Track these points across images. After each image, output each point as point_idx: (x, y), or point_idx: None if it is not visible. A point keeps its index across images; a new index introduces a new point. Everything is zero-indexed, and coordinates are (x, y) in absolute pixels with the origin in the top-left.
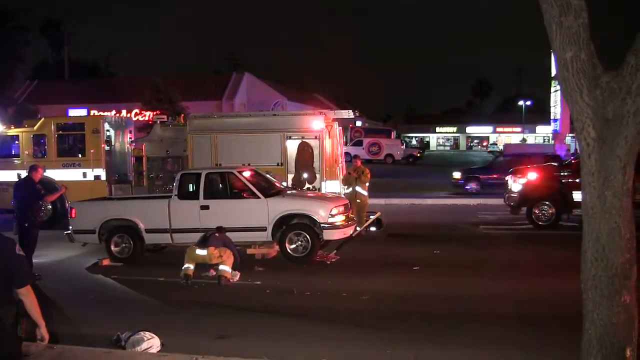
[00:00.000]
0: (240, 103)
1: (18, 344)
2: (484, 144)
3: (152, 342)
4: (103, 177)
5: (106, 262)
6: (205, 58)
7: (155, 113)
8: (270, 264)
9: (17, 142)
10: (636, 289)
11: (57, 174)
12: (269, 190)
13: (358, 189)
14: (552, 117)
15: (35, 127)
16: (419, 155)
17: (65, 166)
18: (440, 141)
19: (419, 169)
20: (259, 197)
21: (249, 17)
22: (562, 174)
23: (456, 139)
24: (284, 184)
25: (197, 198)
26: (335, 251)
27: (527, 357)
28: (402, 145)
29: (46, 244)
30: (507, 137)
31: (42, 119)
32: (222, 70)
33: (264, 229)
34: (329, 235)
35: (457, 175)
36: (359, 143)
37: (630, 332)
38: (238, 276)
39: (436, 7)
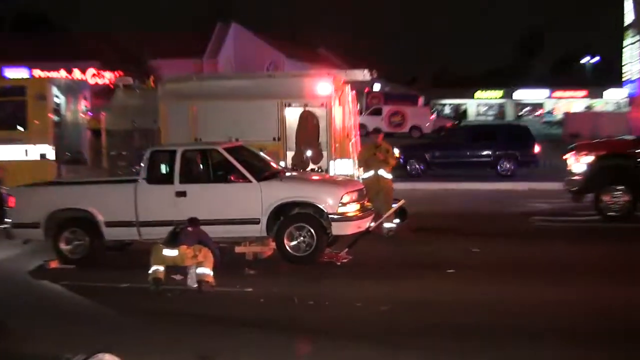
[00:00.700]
0: (226, 61)
1: None
2: (538, 112)
3: None
4: (50, 156)
5: (54, 264)
6: (185, 10)
7: (117, 74)
8: (265, 265)
9: None
10: None
11: None
12: (263, 172)
13: (382, 172)
14: (625, 78)
15: None
16: (454, 126)
17: (1, 142)
18: (481, 109)
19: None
20: (249, 181)
21: None
22: None
23: (501, 107)
24: (282, 164)
25: (172, 182)
26: (347, 249)
27: None
28: (432, 114)
29: None
30: (566, 103)
31: None
32: (203, 21)
33: (256, 222)
34: (339, 229)
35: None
36: (377, 112)
37: None
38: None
39: None
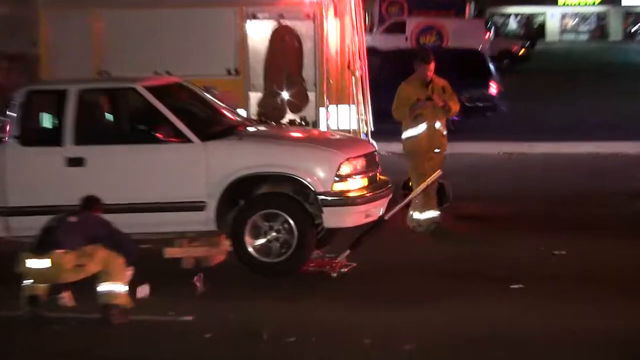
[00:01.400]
0: None
1: None
2: None
3: None
4: None
5: None
6: None
7: None
8: (215, 278)
9: None
10: None
11: None
12: (211, 127)
13: (439, 127)
14: None
15: None
16: (523, 52)
17: None
18: (569, 23)
19: (524, 80)
20: (188, 141)
21: None
22: None
23: (601, 19)
24: (242, 113)
25: (60, 143)
26: (347, 252)
27: None
28: (488, 31)
29: None
30: None
31: None
32: None
33: (198, 207)
34: (335, 218)
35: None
36: (397, 28)
37: None
38: (147, 291)
39: None
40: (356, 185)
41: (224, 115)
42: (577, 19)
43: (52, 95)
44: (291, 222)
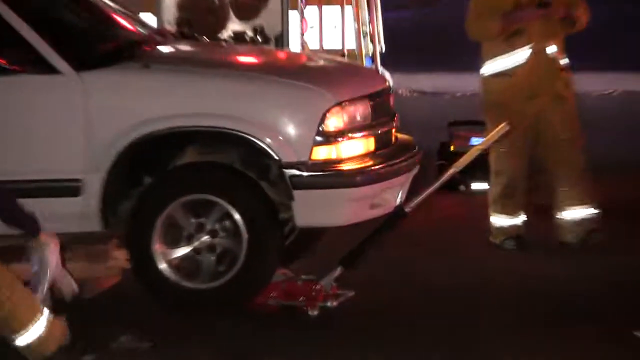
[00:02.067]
0: None
1: None
2: None
3: None
4: None
5: None
6: None
7: None
8: (103, 311)
9: None
10: None
11: None
12: (95, 46)
13: (553, 51)
14: None
15: None
16: None
17: None
18: None
19: None
20: (53, 71)
21: None
22: None
23: None
24: (152, 22)
25: None
26: (338, 271)
27: None
28: None
29: None
30: None
31: None
32: None
33: (70, 189)
34: (314, 210)
35: None
36: None
37: None
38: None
39: None
40: (353, 150)
41: (121, 27)
42: None
43: None
44: (236, 216)
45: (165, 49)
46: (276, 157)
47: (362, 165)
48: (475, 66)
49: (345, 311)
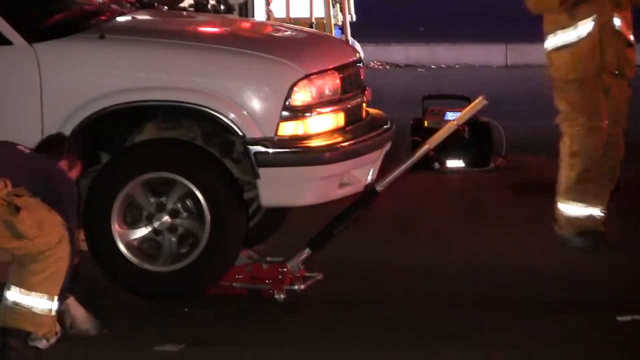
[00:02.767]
0: None
1: None
2: None
3: None
4: None
5: None
6: None
7: None
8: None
9: None
10: None
11: None
12: (49, 16)
13: (620, 24)
14: None
15: None
16: None
17: None
18: None
19: None
20: (5, 42)
21: None
22: None
23: None
24: None
25: None
26: (305, 252)
27: None
28: None
29: None
30: None
31: None
32: None
33: None
34: (280, 189)
35: None
36: None
37: None
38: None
39: None
40: (322, 126)
41: None
42: None
43: None
44: (199, 195)
45: (122, 19)
46: (240, 133)
47: (331, 141)
48: (450, 37)
49: (313, 295)
